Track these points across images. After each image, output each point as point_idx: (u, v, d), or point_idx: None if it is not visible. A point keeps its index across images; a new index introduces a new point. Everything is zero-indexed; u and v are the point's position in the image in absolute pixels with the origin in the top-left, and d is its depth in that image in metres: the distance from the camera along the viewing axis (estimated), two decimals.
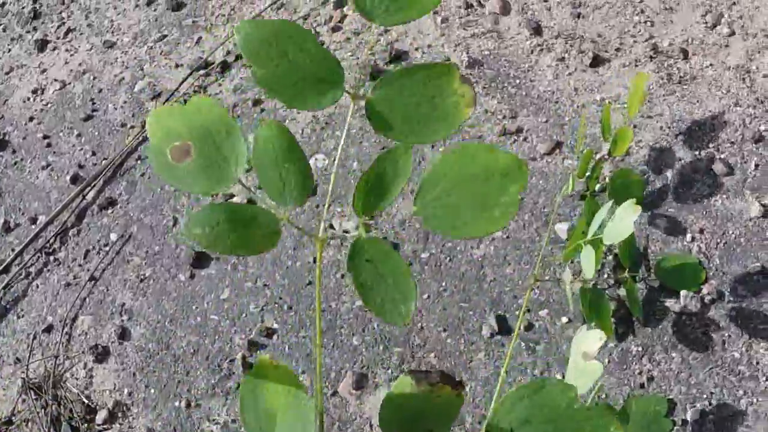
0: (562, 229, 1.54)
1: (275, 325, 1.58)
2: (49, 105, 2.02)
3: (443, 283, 1.55)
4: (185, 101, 0.78)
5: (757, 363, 1.39)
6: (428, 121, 0.74)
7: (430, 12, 0.73)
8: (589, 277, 1.31)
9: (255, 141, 0.76)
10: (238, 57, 1.92)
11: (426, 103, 0.74)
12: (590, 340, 1.07)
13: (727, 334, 1.41)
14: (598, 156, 1.55)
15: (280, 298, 1.61)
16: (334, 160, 1.71)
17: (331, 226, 1.64)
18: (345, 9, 1.93)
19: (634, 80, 1.46)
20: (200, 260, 1.68)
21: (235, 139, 0.76)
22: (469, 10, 1.85)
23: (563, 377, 1.43)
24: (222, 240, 0.74)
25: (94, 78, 2.03)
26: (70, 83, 2.04)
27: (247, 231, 0.74)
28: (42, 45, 2.13)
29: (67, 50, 2.11)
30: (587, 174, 1.51)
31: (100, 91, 2.00)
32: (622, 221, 1.27)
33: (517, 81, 1.73)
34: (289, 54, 0.74)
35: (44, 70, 2.09)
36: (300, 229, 0.76)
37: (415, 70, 0.75)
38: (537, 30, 1.78)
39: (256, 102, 1.85)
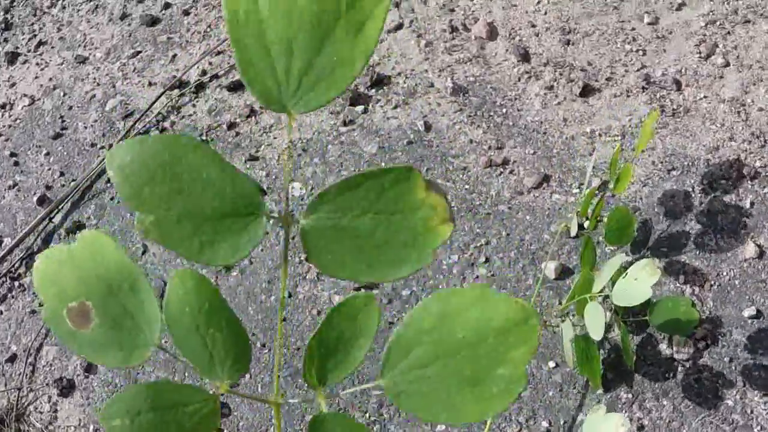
0: (550, 268, 1.48)
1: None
2: (17, 121, 1.95)
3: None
4: (76, 243, 0.61)
5: (752, 411, 1.33)
6: (388, 250, 0.54)
7: (349, 84, 0.55)
8: (597, 338, 1.24)
9: (166, 302, 0.59)
10: (213, 77, 1.85)
11: (384, 224, 0.54)
12: (611, 425, 0.99)
13: (720, 381, 1.36)
14: (586, 190, 1.49)
15: (253, 335, 1.54)
16: (312, 188, 1.65)
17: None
18: None
19: (646, 118, 1.39)
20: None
21: (142, 294, 0.60)
22: (454, 34, 1.79)
23: (550, 424, 1.37)
24: None
25: (65, 94, 1.95)
26: (39, 99, 1.97)
27: (177, 419, 0.58)
28: (12, 57, 2.06)
29: (37, 64, 2.04)
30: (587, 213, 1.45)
31: (71, 108, 1.93)
32: (640, 284, 1.20)
33: (504, 110, 1.67)
34: (183, 186, 0.55)
35: (14, 84, 2.02)
36: (251, 397, 0.66)
37: (361, 180, 0.55)
38: (525, 56, 1.72)
39: (231, 125, 1.78)
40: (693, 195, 1.51)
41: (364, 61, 0.53)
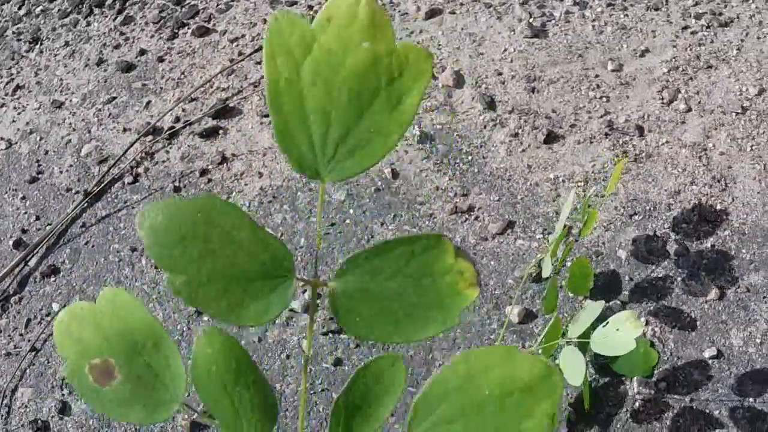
0: (514, 312, 1.50)
1: None
2: None
3: None
4: (94, 301, 0.62)
5: None
6: (416, 312, 0.56)
7: (384, 156, 0.56)
8: (577, 384, 1.26)
9: (193, 361, 0.60)
10: (186, 124, 1.88)
11: (411, 288, 0.56)
12: None
13: (681, 421, 1.38)
14: (558, 233, 1.52)
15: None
16: (281, 235, 1.67)
17: None
18: None
19: (615, 162, 1.41)
20: None
21: (167, 351, 0.61)
22: None
23: None
24: None
25: (41, 138, 1.98)
26: (16, 143, 1.99)
27: None
28: None
29: (15, 108, 2.06)
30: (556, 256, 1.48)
31: (47, 152, 1.95)
32: (623, 335, 1.22)
33: (470, 157, 1.70)
34: (214, 247, 0.56)
35: None
36: None
37: (392, 246, 0.57)
38: (491, 104, 1.75)
39: (204, 172, 1.80)
40: (655, 239, 1.54)
41: (400, 134, 0.55)
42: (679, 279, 1.50)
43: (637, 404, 1.40)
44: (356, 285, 0.57)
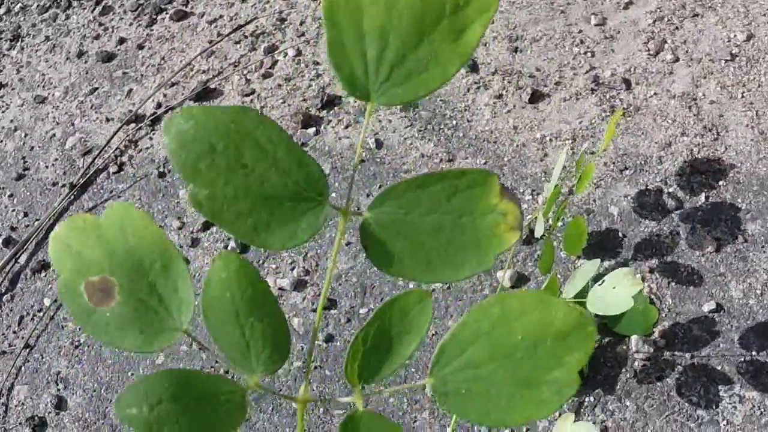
0: (506, 276, 1.47)
1: None
2: None
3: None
4: (101, 218, 0.56)
5: (717, 406, 1.32)
6: (450, 252, 0.52)
7: (439, 87, 0.52)
8: None
9: (205, 286, 0.55)
10: (168, 109, 1.85)
11: (450, 226, 0.52)
12: None
13: (683, 378, 1.35)
14: (550, 191, 1.48)
15: (216, 362, 1.54)
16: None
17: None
18: (275, 54, 1.87)
19: (611, 118, 1.38)
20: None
21: (176, 275, 0.55)
22: None
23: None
24: (167, 424, 0.52)
25: (26, 135, 1.96)
26: (1, 141, 1.97)
27: (201, 411, 0.53)
28: None
29: None
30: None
31: (32, 148, 1.93)
32: (619, 293, 1.20)
33: (454, 122, 1.67)
34: (246, 162, 0.52)
35: None
36: (278, 394, 0.58)
37: (433, 179, 0.53)
38: (473, 67, 1.72)
39: None
40: (647, 194, 1.51)
41: (458, 66, 0.52)
42: (674, 233, 1.46)
43: (637, 363, 1.37)
44: (391, 217, 0.53)
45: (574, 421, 1.10)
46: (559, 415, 1.31)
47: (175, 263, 0.55)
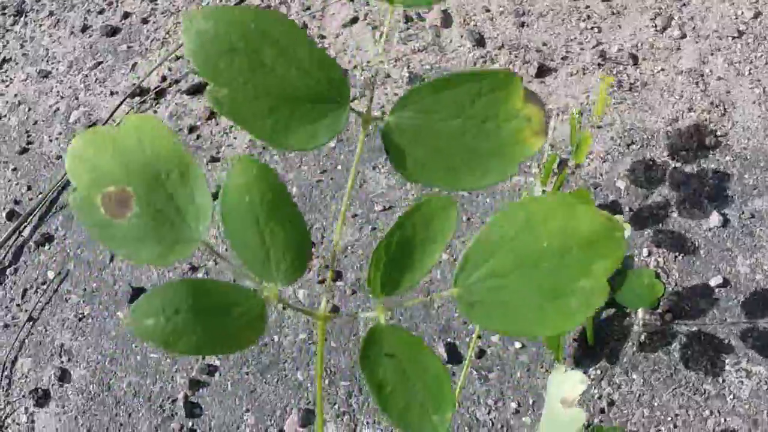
0: None
1: (216, 362, 1.50)
2: None
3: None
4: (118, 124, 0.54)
5: (723, 381, 1.32)
6: (474, 158, 0.51)
7: None
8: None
9: (224, 192, 0.54)
10: (173, 82, 1.85)
11: (473, 130, 0.51)
12: (569, 383, 0.97)
13: (689, 352, 1.35)
14: (545, 159, 1.48)
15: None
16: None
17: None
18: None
19: (600, 84, 1.37)
20: (139, 296, 1.61)
21: (194, 182, 0.53)
22: (410, 23, 1.78)
23: (519, 405, 1.36)
24: (184, 336, 0.50)
25: (29, 109, 1.95)
26: (5, 115, 1.97)
27: (219, 322, 0.51)
28: None
29: (2, 81, 2.04)
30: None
31: (36, 122, 1.92)
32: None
33: None
34: (266, 61, 0.51)
35: None
36: (297, 308, 0.56)
37: (457, 81, 0.52)
38: (480, 41, 1.71)
39: (192, 129, 1.77)
40: (654, 168, 1.50)
41: None
42: (681, 207, 1.46)
43: (642, 337, 1.37)
44: (414, 122, 0.52)
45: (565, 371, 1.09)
46: (550, 367, 1.32)
47: (192, 172, 0.53)
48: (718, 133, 1.52)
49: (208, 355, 0.63)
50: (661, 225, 1.45)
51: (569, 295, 0.50)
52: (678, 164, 1.50)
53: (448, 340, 1.43)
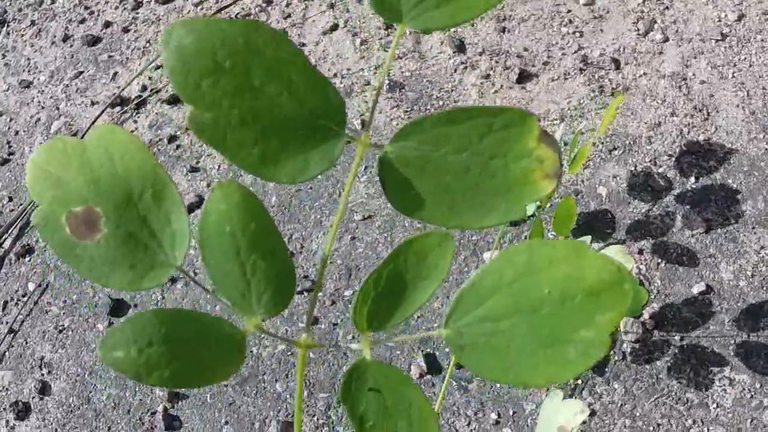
0: (492, 258, 1.45)
1: None
2: None
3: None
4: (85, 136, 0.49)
5: (706, 389, 1.30)
6: (478, 196, 0.47)
7: (479, 14, 0.47)
8: None
9: (203, 217, 0.49)
10: (153, 92, 1.83)
11: (479, 167, 0.47)
12: (569, 412, 0.94)
13: (672, 361, 1.33)
14: None
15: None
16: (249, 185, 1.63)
17: None
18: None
19: (611, 102, 1.35)
20: (118, 309, 1.60)
21: (169, 204, 0.49)
22: (389, 30, 1.77)
23: (499, 416, 1.34)
24: (158, 368, 0.46)
25: (11, 120, 1.94)
26: None
27: (195, 354, 0.48)
28: None
29: None
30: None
31: (17, 133, 1.91)
32: None
33: (441, 102, 1.65)
34: (255, 83, 0.45)
35: None
36: (278, 337, 0.53)
37: (466, 114, 0.48)
38: (460, 47, 1.70)
39: (172, 138, 1.76)
40: (636, 174, 1.49)
41: None
42: (663, 214, 1.44)
43: (624, 345, 1.35)
44: (415, 153, 0.48)
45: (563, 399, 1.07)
46: (547, 392, 1.30)
47: (168, 192, 0.49)
48: (702, 138, 1.50)
49: (184, 387, 0.59)
50: (643, 231, 1.43)
51: (568, 344, 0.47)
52: (661, 169, 1.48)
53: (428, 350, 1.42)
